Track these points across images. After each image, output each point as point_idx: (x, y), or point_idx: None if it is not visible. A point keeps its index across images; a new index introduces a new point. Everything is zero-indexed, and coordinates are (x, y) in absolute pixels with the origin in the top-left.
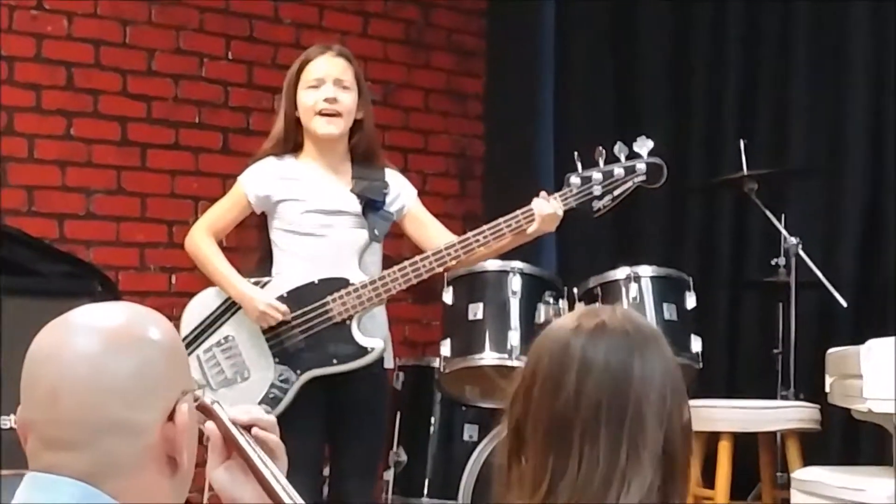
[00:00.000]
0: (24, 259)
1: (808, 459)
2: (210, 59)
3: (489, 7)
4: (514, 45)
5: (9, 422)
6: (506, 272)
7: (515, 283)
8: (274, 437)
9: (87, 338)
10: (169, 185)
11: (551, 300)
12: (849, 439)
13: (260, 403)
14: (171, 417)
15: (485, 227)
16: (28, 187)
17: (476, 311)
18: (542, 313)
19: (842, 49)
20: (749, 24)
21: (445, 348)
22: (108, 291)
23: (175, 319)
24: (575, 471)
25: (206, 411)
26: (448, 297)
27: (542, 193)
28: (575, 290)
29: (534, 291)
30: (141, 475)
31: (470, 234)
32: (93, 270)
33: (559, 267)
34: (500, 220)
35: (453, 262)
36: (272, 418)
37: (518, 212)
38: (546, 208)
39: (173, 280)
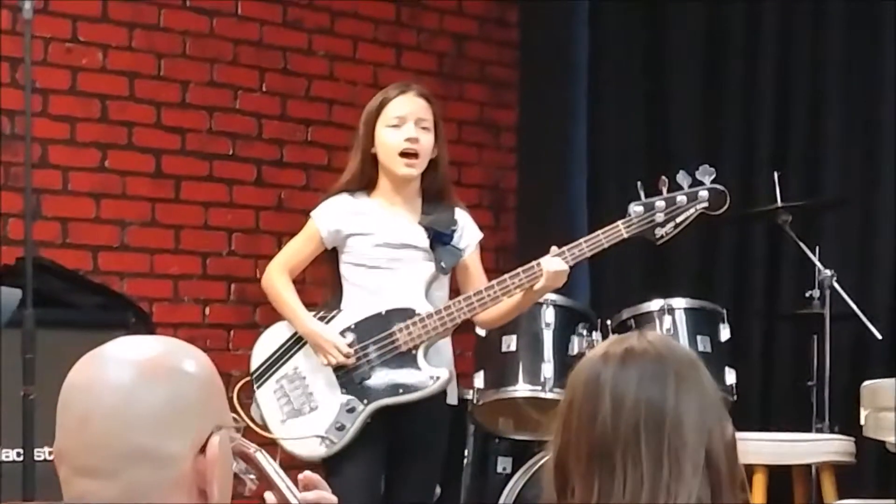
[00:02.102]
0: (58, 291)
1: (843, 492)
2: (244, 91)
3: (522, 39)
4: (548, 77)
5: (43, 453)
6: (539, 304)
7: (549, 314)
8: None
9: (120, 368)
10: (203, 216)
11: (584, 332)
12: (884, 472)
13: (327, 433)
14: (202, 450)
15: (520, 269)
16: (62, 219)
17: (509, 342)
18: (575, 345)
19: (875, 80)
20: (782, 55)
21: (479, 380)
22: (142, 323)
23: (209, 351)
24: (621, 491)
25: (246, 459)
26: (481, 328)
27: (553, 248)
28: (608, 322)
29: (567, 323)
30: None
31: (522, 268)
32: (126, 302)
33: (592, 298)
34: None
35: (517, 291)
36: (334, 499)
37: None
38: (553, 265)
39: (207, 311)
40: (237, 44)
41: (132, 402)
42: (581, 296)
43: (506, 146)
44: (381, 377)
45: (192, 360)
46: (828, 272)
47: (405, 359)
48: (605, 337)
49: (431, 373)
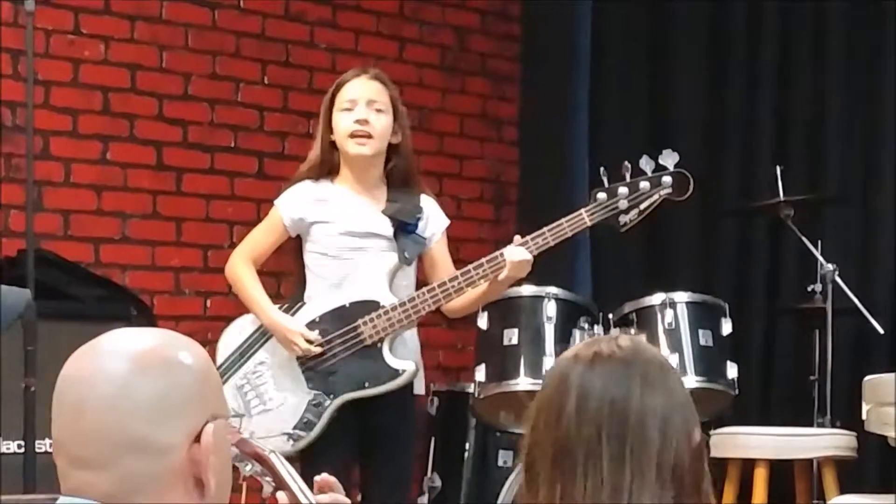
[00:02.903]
0: (59, 283)
1: (845, 487)
2: (246, 83)
3: (523, 32)
4: (549, 71)
5: (44, 445)
6: (541, 298)
7: (550, 308)
8: None
9: (115, 359)
10: (204, 209)
11: (586, 326)
12: (885, 467)
13: (294, 429)
14: (197, 439)
15: (483, 259)
16: (64, 211)
17: (511, 336)
18: (577, 339)
19: (877, 75)
20: (784, 50)
21: (480, 374)
22: (143, 315)
23: (210, 343)
24: (581, 492)
25: (260, 461)
26: (483, 322)
27: (516, 238)
28: (610, 315)
29: (569, 317)
30: (166, 496)
31: (497, 252)
32: (128, 294)
33: (594, 292)
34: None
35: (481, 282)
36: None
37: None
38: (516, 254)
39: (208, 304)
40: (239, 36)
41: (126, 393)
42: (583, 289)
43: (507, 140)
44: (346, 371)
45: (186, 352)
46: (830, 266)
47: (370, 352)
48: (606, 330)
49: (397, 365)
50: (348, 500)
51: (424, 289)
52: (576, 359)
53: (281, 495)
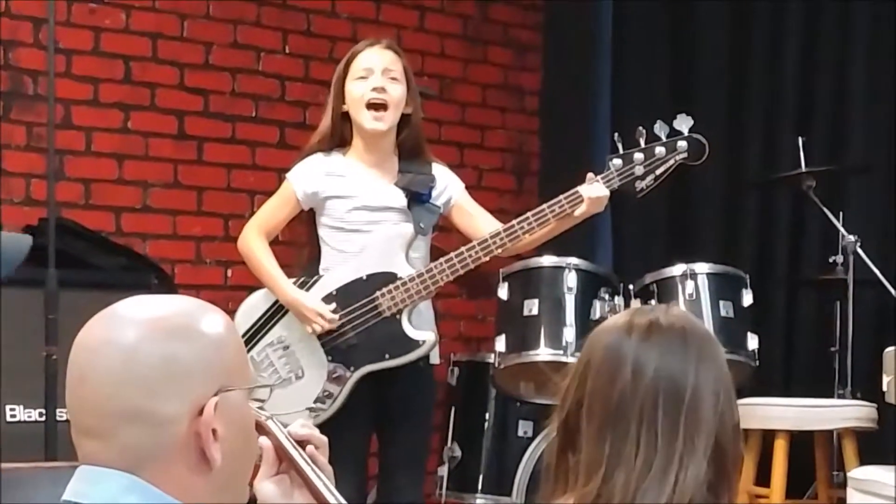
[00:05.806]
0: (80, 252)
1: (865, 458)
2: (267, 53)
3: (546, 2)
4: (571, 40)
5: (65, 414)
6: (561, 268)
7: (571, 279)
8: (322, 459)
9: (123, 327)
10: (225, 178)
11: (607, 297)
12: None
13: (315, 402)
14: (201, 412)
15: (529, 213)
16: (85, 180)
17: (531, 306)
18: (597, 310)
19: None
20: (807, 20)
21: (500, 344)
22: (164, 284)
23: (231, 313)
24: (633, 456)
25: (259, 428)
26: (503, 292)
27: (590, 175)
28: (631, 286)
29: (589, 288)
30: (169, 469)
31: (514, 221)
32: (149, 263)
33: (615, 263)
34: (545, 205)
35: (499, 251)
36: (325, 438)
37: (562, 196)
38: (593, 191)
39: (229, 273)
40: (260, 5)
41: (128, 362)
42: (604, 260)
43: (529, 110)
44: (366, 343)
45: (207, 320)
46: (851, 238)
47: (389, 323)
48: (627, 301)
49: (417, 336)
50: (324, 438)
51: (442, 259)
52: (629, 328)
53: (265, 441)
